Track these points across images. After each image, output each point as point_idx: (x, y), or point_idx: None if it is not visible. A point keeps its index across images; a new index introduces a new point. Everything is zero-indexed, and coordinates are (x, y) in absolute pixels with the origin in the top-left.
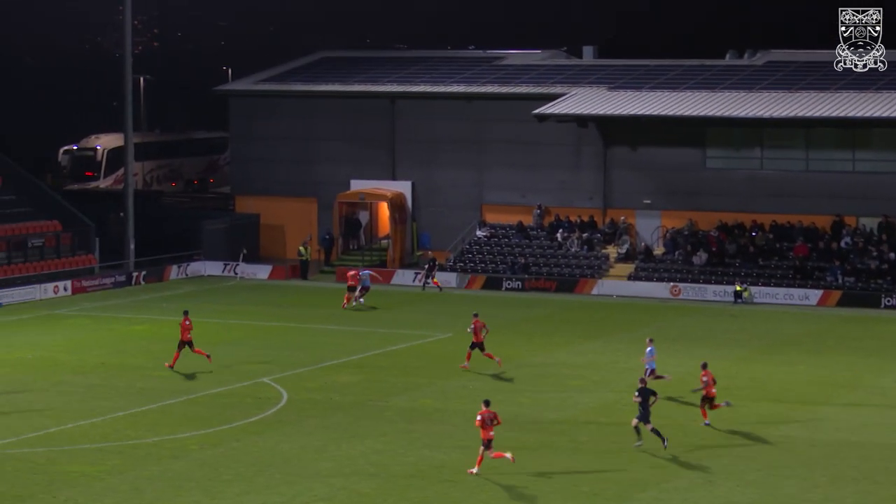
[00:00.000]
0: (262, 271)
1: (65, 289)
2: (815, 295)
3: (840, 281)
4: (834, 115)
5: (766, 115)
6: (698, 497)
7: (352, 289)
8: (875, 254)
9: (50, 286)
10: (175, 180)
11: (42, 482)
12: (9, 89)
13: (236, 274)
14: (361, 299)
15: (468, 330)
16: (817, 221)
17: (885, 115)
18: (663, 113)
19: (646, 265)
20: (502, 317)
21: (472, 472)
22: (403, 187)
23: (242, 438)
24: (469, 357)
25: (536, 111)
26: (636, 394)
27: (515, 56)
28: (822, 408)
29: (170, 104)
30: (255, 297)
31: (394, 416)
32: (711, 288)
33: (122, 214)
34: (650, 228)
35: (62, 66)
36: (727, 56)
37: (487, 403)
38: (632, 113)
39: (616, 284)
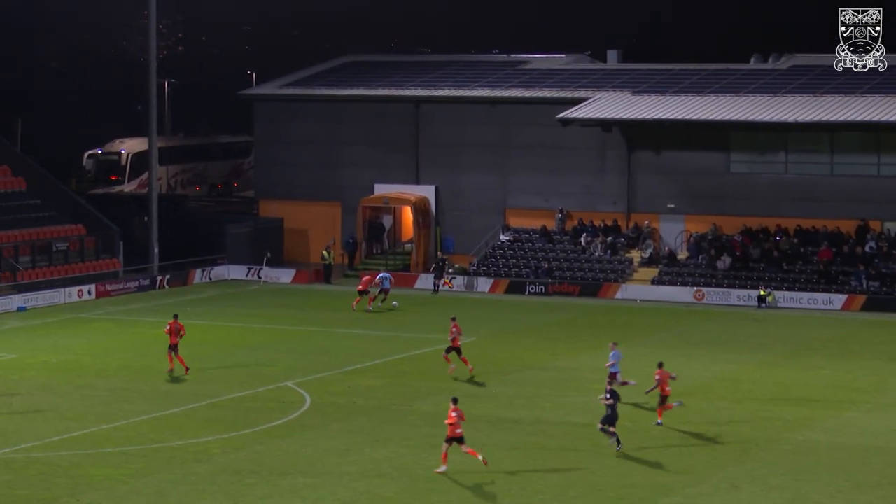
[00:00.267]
0: (285, 275)
1: (89, 293)
2: (839, 299)
3: (864, 285)
4: (859, 118)
5: (791, 118)
6: (722, 502)
7: (363, 293)
8: None
9: (74, 290)
10: (199, 184)
11: (66, 486)
12: (34, 93)
13: (260, 278)
14: (378, 304)
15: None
16: (842, 226)
17: None
18: (688, 117)
19: (669, 269)
20: (525, 321)
21: (439, 472)
22: (427, 191)
23: (266, 442)
24: (463, 361)
25: (561, 115)
26: (607, 395)
27: (540, 60)
28: (845, 412)
29: (194, 108)
30: (278, 301)
31: (417, 420)
32: (735, 292)
33: (146, 218)
34: (674, 233)
35: (87, 71)
36: (752, 60)
37: (455, 401)
38: (656, 117)
39: (640, 289)
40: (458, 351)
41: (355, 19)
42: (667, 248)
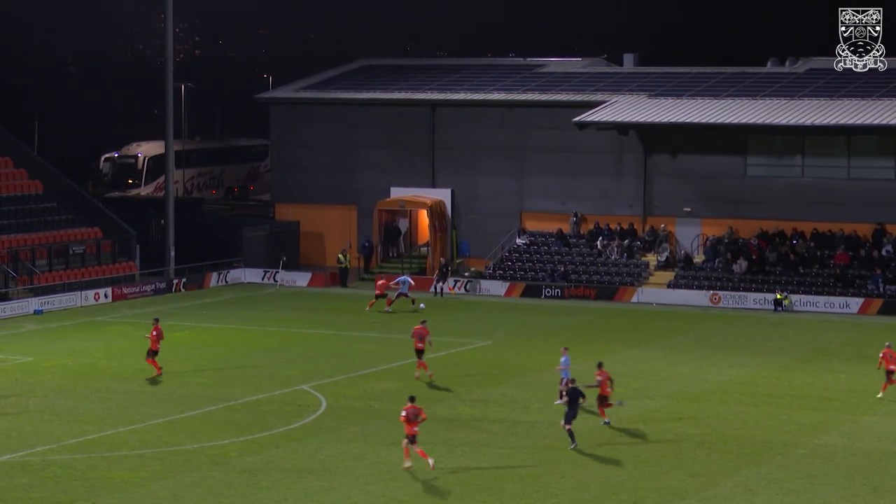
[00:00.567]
0: (301, 279)
1: (105, 296)
2: (855, 303)
3: (881, 289)
4: (876, 122)
5: (808, 122)
6: None
7: (379, 296)
8: None
9: (91, 293)
10: (215, 188)
11: (82, 488)
12: (52, 97)
13: (276, 281)
14: (389, 308)
15: (427, 342)
16: (858, 229)
17: None
18: (704, 121)
19: (686, 273)
20: (542, 324)
21: (406, 468)
22: (443, 195)
23: (282, 445)
24: (420, 366)
25: (577, 119)
26: (562, 394)
27: (556, 64)
28: (863, 416)
29: (211, 112)
30: (294, 305)
31: (432, 423)
32: (751, 296)
33: (162, 222)
34: (690, 236)
35: (104, 75)
36: (768, 63)
37: (413, 399)
38: (672, 121)
39: (656, 292)
40: (420, 353)
41: (371, 23)
42: (683, 252)
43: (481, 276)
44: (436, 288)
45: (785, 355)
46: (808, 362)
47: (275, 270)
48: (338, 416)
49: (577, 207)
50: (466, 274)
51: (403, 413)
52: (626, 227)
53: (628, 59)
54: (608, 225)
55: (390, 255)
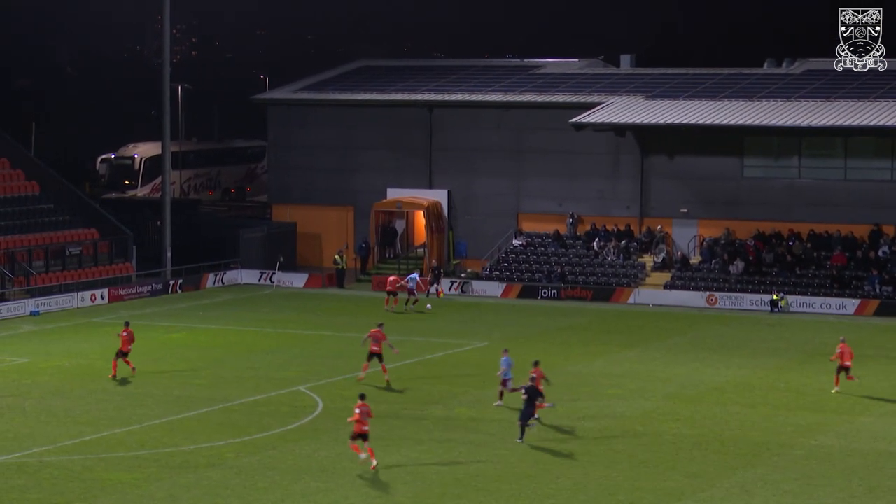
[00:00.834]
0: (298, 280)
1: (102, 297)
2: (852, 304)
3: (878, 290)
4: (873, 123)
5: (805, 123)
6: None
7: (391, 293)
8: None
9: (87, 294)
10: (212, 189)
11: (79, 490)
12: (49, 98)
13: (273, 282)
14: (411, 305)
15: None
16: (855, 230)
17: None
18: (701, 122)
19: (682, 274)
20: (538, 325)
21: (373, 468)
22: (440, 196)
23: (279, 446)
24: (385, 370)
25: (574, 120)
26: (522, 391)
27: (553, 65)
28: (859, 417)
29: (208, 113)
30: (291, 306)
31: (430, 425)
32: (748, 297)
33: (159, 223)
34: (687, 237)
35: (101, 75)
36: (765, 65)
37: (363, 397)
38: (669, 122)
39: (652, 293)
40: (380, 357)
41: (369, 24)
42: (679, 253)
43: (478, 277)
44: (428, 291)
45: (781, 356)
46: (805, 363)
47: (271, 271)
48: (335, 418)
49: (574, 208)
50: (463, 275)
51: (357, 411)
52: (622, 228)
53: (625, 60)
54: (605, 226)
55: (387, 256)
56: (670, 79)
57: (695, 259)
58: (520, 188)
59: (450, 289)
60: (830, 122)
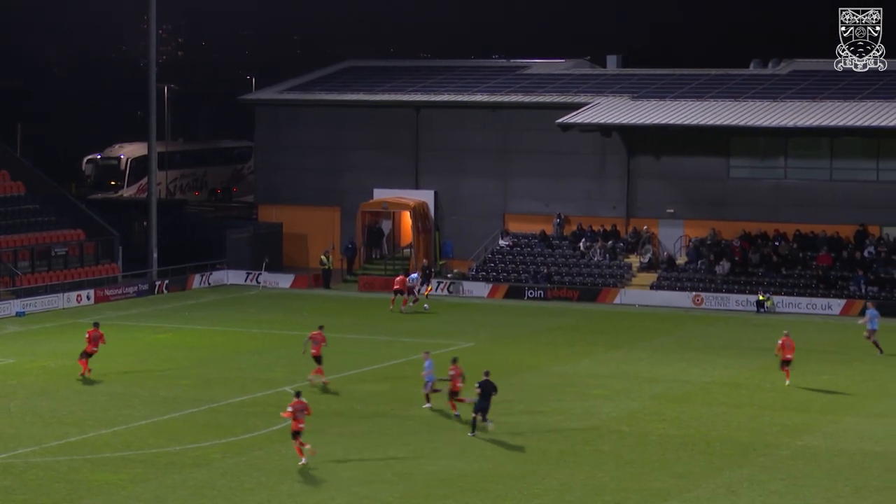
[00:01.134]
0: (284, 280)
1: (88, 297)
2: (838, 304)
3: (863, 290)
4: (858, 124)
5: (791, 124)
6: None
7: (398, 292)
8: None
9: (73, 295)
10: (199, 189)
11: (64, 491)
12: (35, 98)
13: (259, 283)
14: (411, 304)
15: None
16: (841, 231)
17: None
18: (687, 122)
19: (668, 274)
20: (525, 326)
21: (301, 464)
22: (426, 196)
23: (265, 447)
24: (321, 372)
25: (560, 120)
26: (476, 385)
27: (540, 65)
28: (845, 418)
29: (195, 113)
30: (277, 306)
31: (416, 425)
32: (734, 297)
33: (145, 223)
34: (673, 238)
35: (87, 75)
36: (751, 65)
37: (298, 395)
38: (656, 122)
39: (638, 294)
40: (319, 360)
41: (356, 24)
42: (666, 253)
43: (464, 277)
44: (418, 289)
45: (767, 357)
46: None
47: (258, 272)
48: (320, 418)
49: (561, 209)
50: (450, 275)
51: (290, 408)
52: (609, 228)
53: (611, 60)
54: (591, 226)
55: (373, 256)
56: (657, 79)
57: (681, 259)
58: (506, 188)
59: (437, 289)
60: (816, 123)
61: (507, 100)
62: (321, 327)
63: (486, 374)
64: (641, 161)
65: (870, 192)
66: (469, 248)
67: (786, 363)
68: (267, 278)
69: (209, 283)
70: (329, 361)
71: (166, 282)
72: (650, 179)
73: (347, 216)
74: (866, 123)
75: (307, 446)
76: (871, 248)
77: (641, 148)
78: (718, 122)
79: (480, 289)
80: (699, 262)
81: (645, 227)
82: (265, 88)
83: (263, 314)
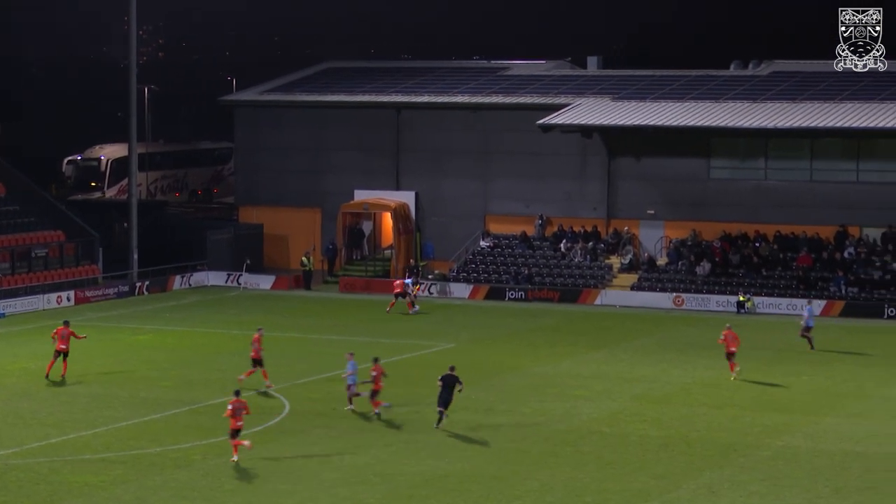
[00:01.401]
0: (265, 281)
1: (68, 299)
2: (818, 305)
3: (843, 291)
4: (839, 125)
5: (771, 125)
6: None
7: (399, 295)
8: (878, 264)
9: (53, 296)
10: (179, 190)
11: (45, 493)
12: (14, 99)
13: (239, 284)
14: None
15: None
16: (821, 232)
17: (889, 125)
18: (668, 123)
19: (649, 275)
20: (506, 327)
21: (233, 461)
22: (407, 197)
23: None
24: (250, 374)
25: (541, 121)
26: (438, 380)
27: (520, 66)
28: (825, 418)
29: (175, 114)
30: (258, 307)
31: (398, 426)
32: (714, 298)
33: (125, 224)
34: (654, 239)
35: (68, 76)
36: (732, 66)
37: (238, 394)
38: (636, 123)
39: (619, 295)
40: (261, 363)
41: (336, 25)
42: (646, 254)
43: (445, 278)
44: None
45: (747, 357)
46: (772, 364)
47: (238, 273)
48: (302, 419)
49: (542, 210)
50: (431, 276)
51: (230, 407)
52: (589, 229)
53: (592, 61)
54: (572, 227)
55: (354, 257)
56: (637, 80)
57: (661, 260)
58: (487, 190)
59: (420, 290)
60: (797, 124)
61: (487, 101)
62: (260, 329)
63: (452, 368)
64: (622, 162)
65: (850, 192)
66: (450, 249)
67: (730, 356)
68: (248, 279)
69: (190, 285)
70: (309, 362)
71: (147, 283)
72: (631, 180)
73: (328, 217)
74: (846, 124)
75: (244, 443)
76: (851, 249)
77: (622, 149)
78: (699, 123)
79: (461, 290)
80: (680, 263)
81: (626, 228)
82: (245, 89)
83: (244, 315)
